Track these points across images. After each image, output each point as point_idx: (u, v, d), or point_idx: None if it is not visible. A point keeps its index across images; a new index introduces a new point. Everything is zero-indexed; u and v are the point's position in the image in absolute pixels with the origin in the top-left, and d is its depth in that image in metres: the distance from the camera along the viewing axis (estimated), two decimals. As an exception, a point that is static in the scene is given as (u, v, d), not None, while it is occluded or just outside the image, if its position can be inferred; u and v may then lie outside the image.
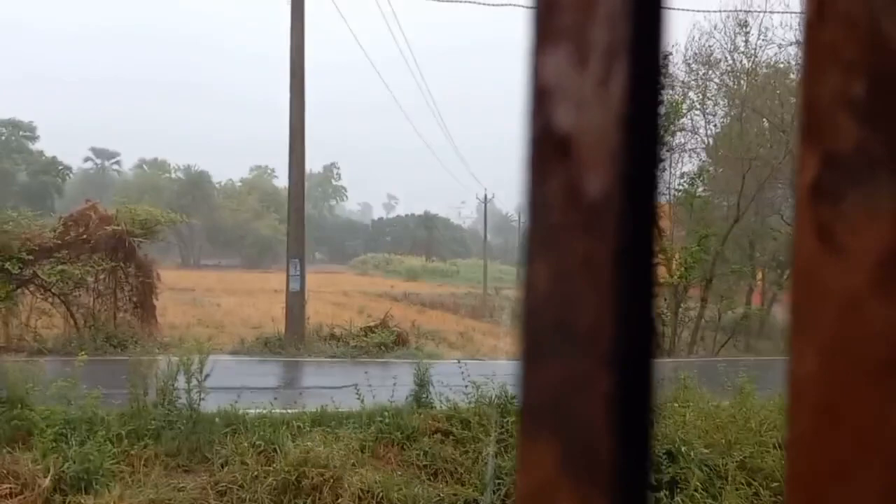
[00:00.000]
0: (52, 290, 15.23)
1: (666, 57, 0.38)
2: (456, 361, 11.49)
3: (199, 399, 9.36)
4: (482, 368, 11.83)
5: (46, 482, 7.64)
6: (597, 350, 0.37)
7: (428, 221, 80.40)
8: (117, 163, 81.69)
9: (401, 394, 10.34)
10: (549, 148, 0.39)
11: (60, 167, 67.46)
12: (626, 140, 0.38)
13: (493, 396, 9.90)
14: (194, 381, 9.39)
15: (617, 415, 0.37)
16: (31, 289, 15.17)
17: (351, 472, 8.56)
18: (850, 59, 0.34)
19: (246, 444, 8.83)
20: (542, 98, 0.39)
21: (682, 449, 9.40)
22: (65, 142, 73.25)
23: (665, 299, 21.11)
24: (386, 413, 9.82)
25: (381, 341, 16.16)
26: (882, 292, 0.32)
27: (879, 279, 0.33)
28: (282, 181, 79.14)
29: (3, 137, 66.39)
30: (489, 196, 52.27)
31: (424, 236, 78.56)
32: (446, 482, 8.97)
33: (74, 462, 7.99)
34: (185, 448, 8.79)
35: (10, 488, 7.60)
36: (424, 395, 10.47)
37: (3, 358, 11.65)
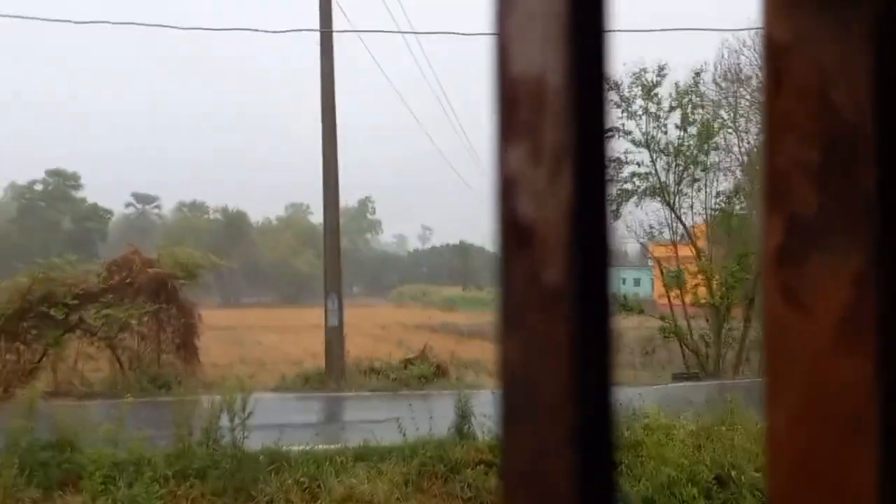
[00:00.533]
0: (98, 335, 15.56)
1: (610, 160, 0.41)
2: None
3: (243, 437, 9.44)
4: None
5: (96, 525, 7.75)
6: (560, 426, 0.40)
7: (463, 250, 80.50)
8: (157, 206, 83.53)
9: (442, 426, 10.30)
10: (513, 235, 0.42)
11: (102, 213, 69.19)
12: (576, 233, 0.41)
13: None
14: (237, 420, 9.49)
15: (581, 487, 0.39)
16: (78, 333, 15.51)
17: (395, 505, 8.54)
18: (805, 128, 0.36)
19: (290, 482, 8.88)
20: (507, 188, 0.42)
21: (732, 473, 9.20)
22: (106, 188, 75.02)
23: (707, 320, 20.80)
24: (428, 445, 9.79)
25: (420, 373, 16.16)
26: (845, 349, 0.34)
27: (842, 336, 0.34)
28: (317, 217, 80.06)
29: (50, 188, 68.39)
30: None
31: (460, 265, 78.62)
32: None
33: (122, 504, 8.11)
34: (231, 487, 8.85)
35: (62, 532, 7.73)
36: (466, 427, 10.41)
37: (52, 402, 11.87)
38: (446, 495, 9.20)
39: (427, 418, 10.23)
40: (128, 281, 15.82)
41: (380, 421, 11.54)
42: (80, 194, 69.62)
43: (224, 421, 9.57)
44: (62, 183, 68.79)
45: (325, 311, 16.64)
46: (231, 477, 8.96)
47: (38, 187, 69.20)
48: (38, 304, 14.72)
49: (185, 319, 16.45)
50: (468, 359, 19.98)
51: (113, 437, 9.10)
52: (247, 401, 9.60)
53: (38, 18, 16.11)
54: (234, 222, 72.96)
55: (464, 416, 10.49)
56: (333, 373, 16.15)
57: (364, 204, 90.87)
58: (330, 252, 16.77)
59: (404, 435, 9.90)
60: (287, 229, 76.79)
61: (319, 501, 8.60)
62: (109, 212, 70.90)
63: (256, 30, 16.91)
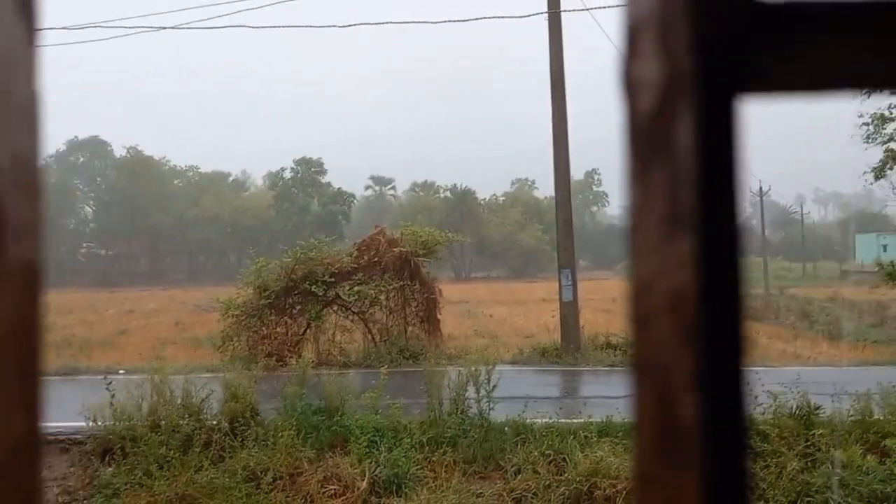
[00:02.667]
0: (352, 309, 16.90)
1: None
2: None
3: (489, 409, 9.80)
4: (774, 376, 11.04)
5: (364, 485, 8.47)
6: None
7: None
8: (393, 188, 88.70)
9: (687, 403, 9.97)
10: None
11: (346, 196, 74.77)
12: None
13: (794, 407, 9.18)
14: (483, 392, 9.87)
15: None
16: (335, 308, 16.93)
17: (643, 484, 8.42)
18: None
19: (536, 453, 9.07)
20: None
21: None
22: (347, 173, 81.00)
23: None
24: (674, 423, 9.53)
25: (659, 348, 15.72)
26: None
27: None
28: (542, 192, 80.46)
29: (299, 175, 75.09)
30: (765, 189, 48.39)
31: (693, 236, 74.94)
32: (747, 498, 8.45)
33: (385, 467, 8.77)
34: (480, 456, 9.24)
35: (335, 489, 8.54)
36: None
37: (316, 371, 13.07)
38: (696, 475, 8.91)
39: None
40: (375, 259, 16.95)
41: (620, 396, 11.42)
42: (325, 179, 75.74)
43: (470, 392, 10.00)
44: (309, 170, 75.23)
45: (559, 286, 16.70)
46: (480, 446, 9.34)
47: (288, 175, 76.19)
48: (301, 282, 16.27)
49: (428, 294, 17.33)
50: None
51: (373, 405, 9.85)
52: (491, 374, 9.94)
53: (312, 26, 17.59)
54: (463, 199, 75.45)
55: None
56: (569, 347, 16.21)
57: (590, 176, 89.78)
58: (562, 227, 16.78)
59: (648, 412, 9.70)
60: (513, 205, 78.00)
61: (566, 474, 8.70)
62: (352, 195, 76.46)
63: (498, 17, 17.13)
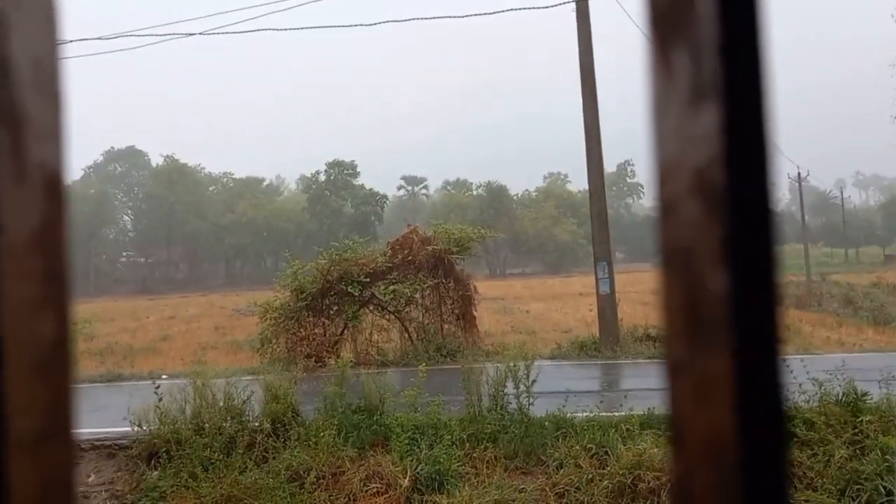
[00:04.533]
0: (388, 309, 16.96)
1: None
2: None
3: (529, 404, 9.75)
4: (819, 363, 10.82)
5: (406, 482, 8.49)
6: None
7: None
8: (425, 187, 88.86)
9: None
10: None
11: (378, 197, 75.11)
12: None
13: (840, 394, 8.99)
14: (522, 387, 9.82)
15: None
16: (371, 308, 17.02)
17: (687, 476, 8.31)
18: None
19: (578, 447, 9.00)
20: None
21: None
22: (380, 174, 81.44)
23: None
24: (717, 414, 9.40)
25: (699, 339, 15.54)
26: None
27: None
28: (575, 185, 80.00)
29: (332, 178, 75.62)
30: (804, 174, 47.49)
31: (730, 225, 73.92)
32: (795, 487, 8.31)
33: (426, 464, 8.78)
34: (521, 451, 9.20)
35: (378, 488, 8.57)
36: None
37: (355, 370, 13.13)
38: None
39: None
40: (409, 258, 16.98)
41: (661, 389, 11.29)
42: (357, 181, 76.15)
43: (509, 388, 9.97)
44: (342, 172, 75.72)
45: (596, 279, 16.57)
46: (520, 441, 9.30)
47: (322, 177, 76.75)
48: (337, 283, 16.38)
49: (463, 291, 17.32)
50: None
51: (412, 402, 9.87)
52: (530, 369, 9.89)
53: (338, 26, 17.71)
54: (496, 196, 75.28)
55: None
56: (608, 341, 16.08)
57: (623, 168, 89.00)
58: (597, 220, 16.64)
59: (690, 403, 9.58)
60: (546, 199, 77.63)
61: (608, 467, 8.62)
62: (384, 196, 76.79)
63: (524, 8, 17.02)
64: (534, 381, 9.79)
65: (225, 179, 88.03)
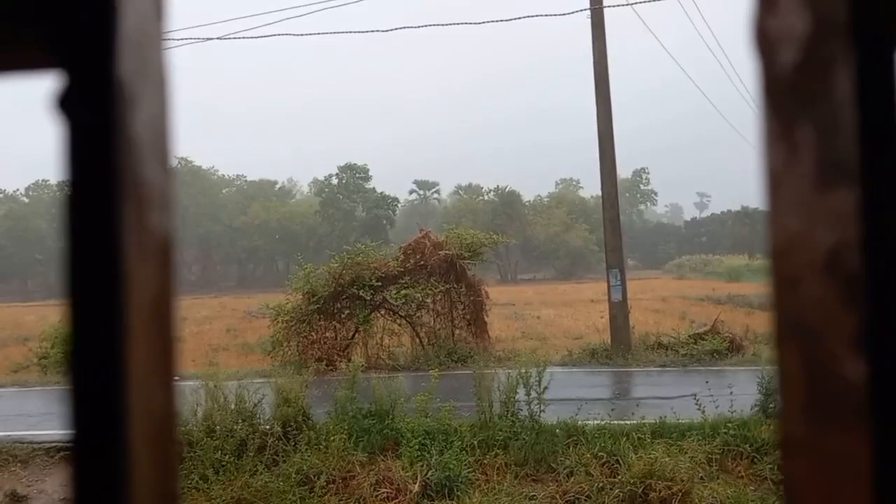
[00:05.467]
0: (399, 313, 16.96)
1: None
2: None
3: (540, 411, 9.73)
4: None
5: (416, 488, 8.48)
6: None
7: (747, 216, 75.28)
8: (437, 192, 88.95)
9: (742, 404, 9.77)
10: None
11: (389, 201, 75.24)
12: None
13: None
14: (533, 394, 9.80)
15: None
16: (382, 312, 17.02)
17: (700, 485, 8.27)
18: None
19: (589, 455, 8.97)
20: None
21: None
22: (392, 178, 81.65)
23: None
24: (730, 424, 9.34)
25: (713, 348, 15.45)
26: None
27: None
28: (587, 192, 79.89)
29: (344, 181, 75.83)
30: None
31: (744, 233, 73.63)
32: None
33: (436, 470, 8.76)
34: (531, 458, 9.17)
35: (388, 492, 8.57)
36: (771, 405, 9.77)
37: (366, 374, 13.14)
38: (754, 477, 8.71)
39: (723, 396, 9.76)
40: (421, 263, 16.99)
41: (673, 397, 11.24)
42: (369, 185, 76.33)
43: (520, 394, 9.94)
44: (354, 176, 75.92)
45: (608, 286, 16.53)
46: (531, 448, 9.27)
47: (335, 181, 76.99)
48: (348, 287, 16.40)
49: (474, 297, 17.30)
50: (764, 332, 18.64)
51: (423, 408, 9.86)
52: (542, 376, 9.86)
53: (354, 31, 17.75)
54: (508, 201, 75.26)
55: (768, 393, 9.86)
56: (619, 348, 16.02)
57: (638, 175, 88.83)
58: (610, 226, 16.60)
59: (703, 412, 9.54)
60: (559, 205, 77.53)
61: (619, 476, 8.58)
62: (396, 199, 76.92)
63: (540, 15, 17.04)
64: (545, 388, 9.76)
65: (238, 182, 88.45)
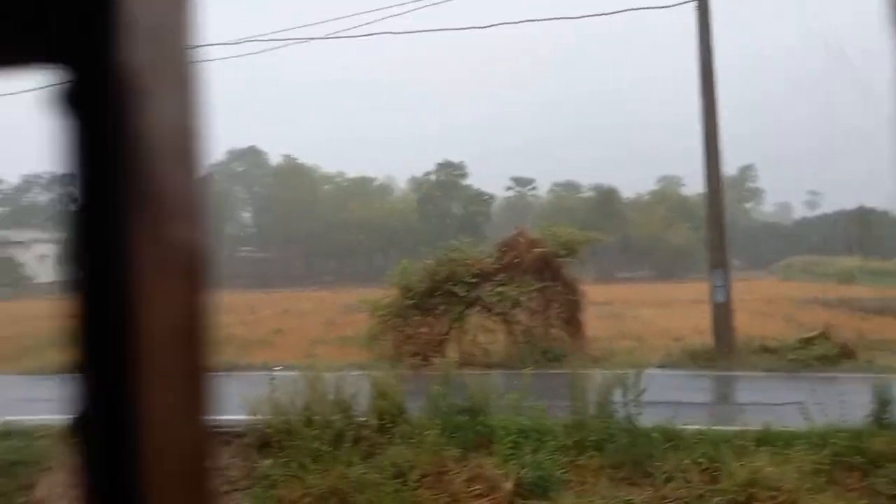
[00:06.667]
0: (494, 310, 16.94)
1: None
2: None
3: (637, 413, 9.50)
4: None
5: (509, 486, 8.43)
6: None
7: (862, 216, 71.22)
8: (534, 188, 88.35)
9: (854, 413, 9.24)
10: None
11: (486, 198, 75.29)
12: None
13: None
14: (630, 396, 9.57)
15: None
16: (477, 309, 17.04)
17: (807, 496, 7.87)
18: None
19: (688, 461, 8.70)
20: None
21: None
22: (488, 175, 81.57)
23: None
24: (841, 434, 8.85)
25: (822, 353, 14.70)
26: None
27: None
28: (689, 189, 77.48)
29: (441, 178, 76.42)
30: (942, 180, 44.07)
31: (858, 234, 69.69)
32: None
33: (530, 469, 8.69)
34: (628, 461, 8.96)
35: (480, 489, 8.56)
36: (887, 415, 9.21)
37: (459, 371, 13.17)
38: (867, 490, 8.22)
39: (834, 404, 9.27)
40: (516, 260, 16.91)
41: (779, 404, 10.77)
42: (466, 182, 76.60)
43: (616, 395, 9.74)
44: (451, 173, 76.39)
45: (711, 286, 15.97)
46: (627, 451, 9.07)
47: (433, 178, 77.68)
48: (443, 283, 16.50)
49: (570, 295, 17.08)
50: (878, 338, 17.59)
51: (516, 406, 9.80)
52: (639, 377, 9.63)
53: (453, 29, 17.89)
54: (606, 199, 73.97)
55: (884, 403, 9.29)
56: (722, 351, 15.46)
57: (744, 172, 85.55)
58: (714, 225, 16.04)
59: (811, 421, 9.08)
60: (660, 203, 75.60)
61: (720, 484, 8.28)
62: (492, 196, 76.91)
63: (643, 8, 16.64)
64: (643, 390, 9.53)
65: (338, 179, 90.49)
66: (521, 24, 18.56)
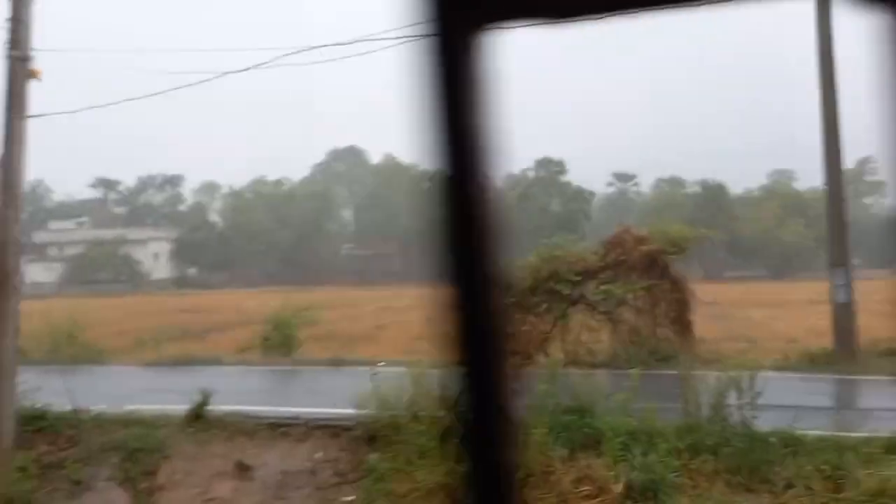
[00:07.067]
0: (598, 309, 16.63)
1: None
2: None
3: (753, 417, 9.11)
4: None
5: (619, 488, 8.25)
6: None
7: None
8: (636, 184, 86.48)
9: None
10: None
11: (586, 194, 74.22)
12: None
13: None
14: (745, 398, 9.19)
15: None
16: (581, 307, 16.78)
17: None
18: None
19: (809, 468, 8.29)
20: None
21: None
22: (589, 171, 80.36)
23: None
24: (983, 444, 8.22)
25: (956, 358, 13.70)
26: None
27: None
28: (802, 184, 73.94)
29: (540, 174, 75.87)
30: None
31: None
32: None
33: (640, 471, 8.47)
34: (744, 466, 8.61)
35: (589, 491, 8.41)
36: None
37: (563, 370, 13.00)
38: None
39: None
40: (622, 258, 16.54)
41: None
42: (565, 179, 75.73)
43: (730, 398, 9.37)
44: (550, 170, 75.73)
45: (832, 286, 15.16)
46: (744, 456, 8.71)
47: (531, 174, 77.22)
48: (545, 281, 16.33)
49: (678, 295, 16.57)
50: None
51: (625, 406, 9.57)
52: (754, 379, 9.23)
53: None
54: (713, 194, 71.49)
55: None
56: (843, 353, 14.64)
57: (863, 164, 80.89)
58: (833, 221, 15.22)
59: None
60: (770, 199, 72.46)
61: (846, 493, 7.83)
62: (592, 193, 75.75)
63: None
64: (759, 393, 9.12)
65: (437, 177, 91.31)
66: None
